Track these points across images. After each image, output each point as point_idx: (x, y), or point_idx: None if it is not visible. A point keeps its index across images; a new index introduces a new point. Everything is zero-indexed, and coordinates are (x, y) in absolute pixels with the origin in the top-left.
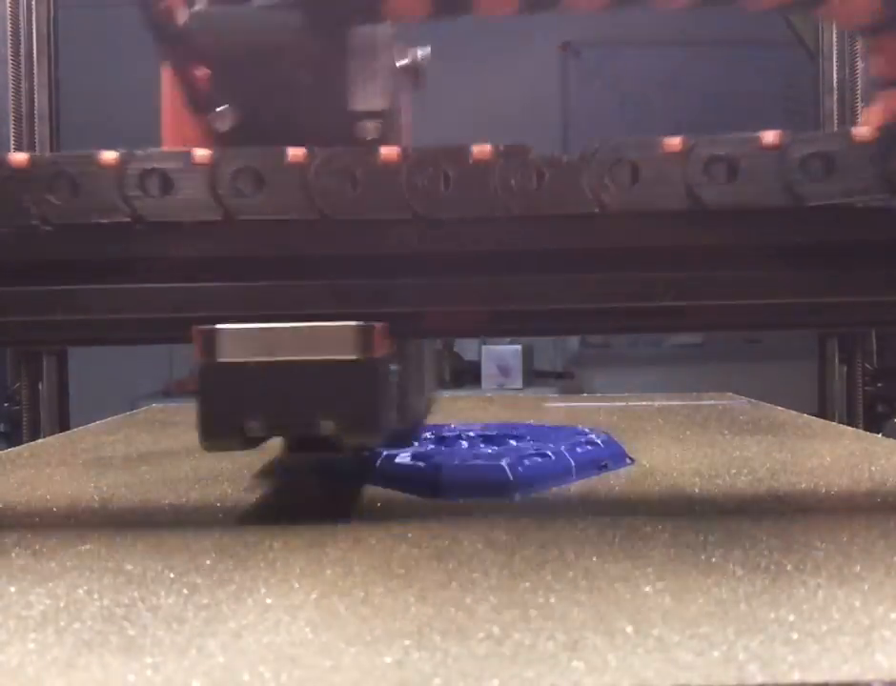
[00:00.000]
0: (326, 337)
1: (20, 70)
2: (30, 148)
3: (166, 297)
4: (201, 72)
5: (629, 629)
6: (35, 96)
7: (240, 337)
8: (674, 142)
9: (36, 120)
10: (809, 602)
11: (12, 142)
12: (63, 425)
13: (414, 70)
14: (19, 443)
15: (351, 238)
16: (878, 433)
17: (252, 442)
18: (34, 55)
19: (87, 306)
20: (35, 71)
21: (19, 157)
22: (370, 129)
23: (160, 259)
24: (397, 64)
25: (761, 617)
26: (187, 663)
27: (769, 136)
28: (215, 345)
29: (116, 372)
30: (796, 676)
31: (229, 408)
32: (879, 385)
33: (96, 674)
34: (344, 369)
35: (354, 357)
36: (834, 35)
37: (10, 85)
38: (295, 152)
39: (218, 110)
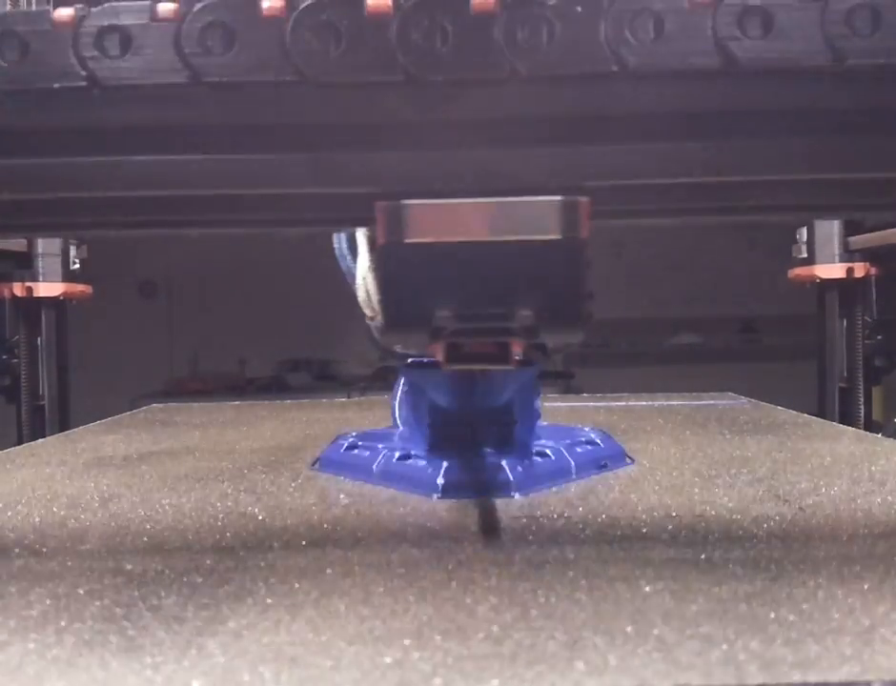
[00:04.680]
0: (528, 213)
1: None
2: None
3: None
4: None
5: (629, 629)
6: None
7: (430, 214)
8: None
9: None
10: (809, 602)
11: None
12: (62, 382)
13: None
14: (18, 398)
15: (332, 104)
16: (877, 385)
17: (438, 333)
18: None
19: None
20: None
21: None
22: None
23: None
24: None
25: (761, 617)
26: (187, 663)
27: None
28: (402, 223)
29: (116, 371)
30: (796, 676)
31: (416, 295)
32: (878, 338)
33: (96, 674)
34: (547, 250)
35: (558, 237)
36: None
37: None
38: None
39: None
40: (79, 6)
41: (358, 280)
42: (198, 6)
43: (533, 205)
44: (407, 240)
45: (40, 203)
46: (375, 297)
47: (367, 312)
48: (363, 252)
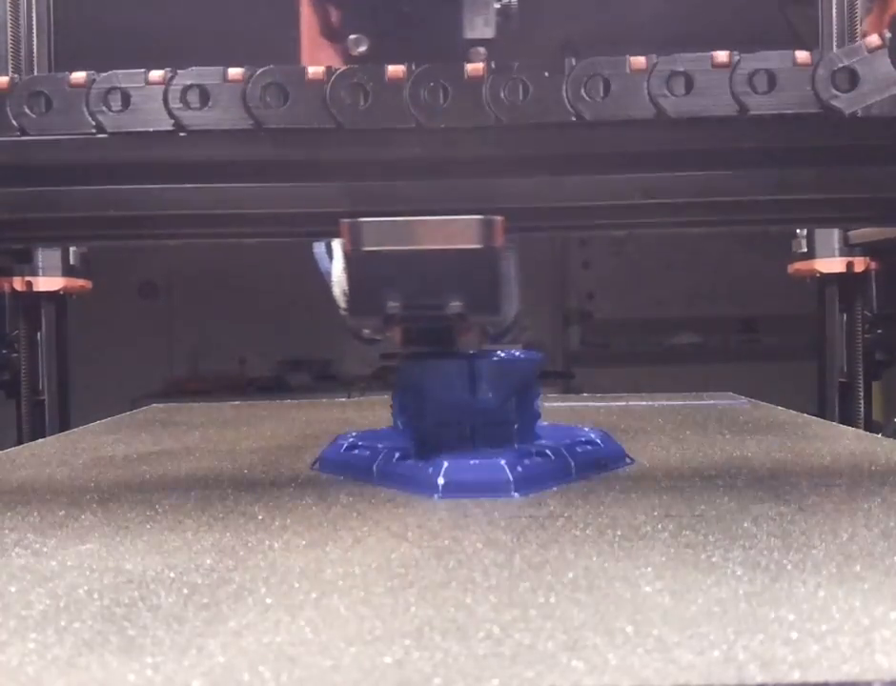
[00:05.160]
0: (455, 228)
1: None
2: (28, 65)
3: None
4: (337, 5)
5: (629, 629)
6: (34, 13)
7: (382, 229)
8: (639, 60)
9: (34, 38)
10: (809, 602)
11: (10, 60)
12: (62, 377)
13: (506, 12)
14: (18, 393)
15: (360, 145)
16: (877, 380)
17: (390, 320)
18: None
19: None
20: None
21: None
22: (480, 54)
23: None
24: (496, 5)
25: (761, 617)
26: (187, 663)
27: (721, 56)
28: (361, 235)
29: (116, 371)
30: (796, 676)
31: (372, 289)
32: (878, 331)
33: (96, 674)
34: (470, 256)
35: (479, 246)
36: (834, 35)
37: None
38: (314, 71)
39: (352, 37)
40: (168, 69)
41: (334, 278)
42: (260, 71)
43: (460, 221)
44: (365, 248)
45: (132, 219)
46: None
47: (341, 304)
48: (338, 257)
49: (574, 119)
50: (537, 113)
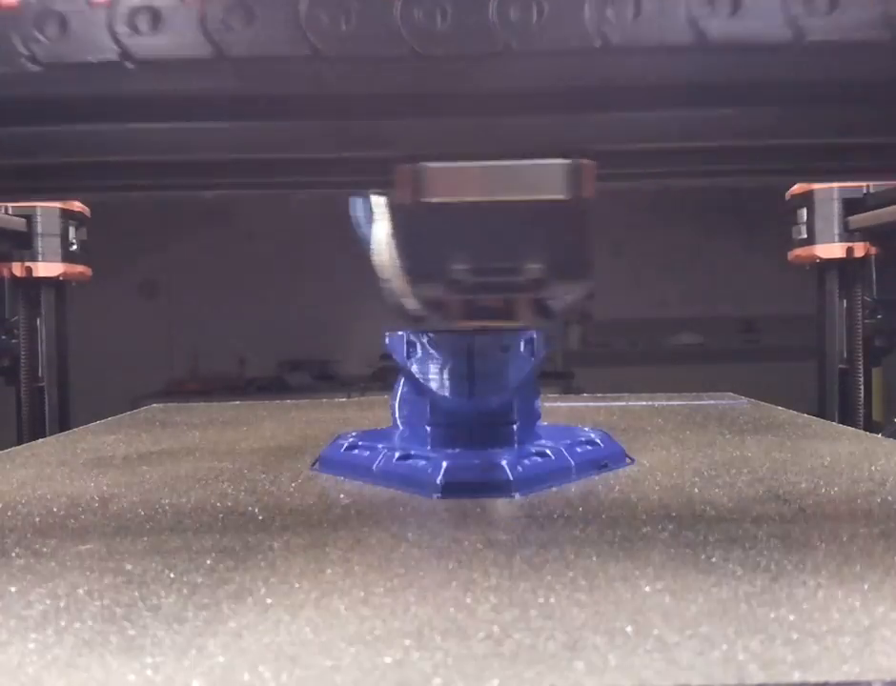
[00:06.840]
0: (537, 176)
1: None
2: None
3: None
4: None
5: (629, 629)
6: None
7: (447, 176)
8: None
9: None
10: (809, 602)
11: None
12: (62, 362)
13: None
14: (18, 381)
15: (342, 76)
16: (876, 366)
17: (455, 286)
18: None
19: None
20: None
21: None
22: None
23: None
24: None
25: (761, 617)
26: (187, 663)
27: None
28: (422, 184)
29: (116, 371)
30: (796, 676)
31: (433, 250)
32: (878, 317)
33: (96, 673)
34: (554, 209)
35: (565, 197)
36: None
37: None
38: None
39: None
40: None
41: (375, 244)
42: None
43: (543, 167)
44: (425, 200)
45: (76, 166)
46: (392, 260)
47: (383, 275)
48: (381, 217)
49: (598, 45)
50: (553, 38)
